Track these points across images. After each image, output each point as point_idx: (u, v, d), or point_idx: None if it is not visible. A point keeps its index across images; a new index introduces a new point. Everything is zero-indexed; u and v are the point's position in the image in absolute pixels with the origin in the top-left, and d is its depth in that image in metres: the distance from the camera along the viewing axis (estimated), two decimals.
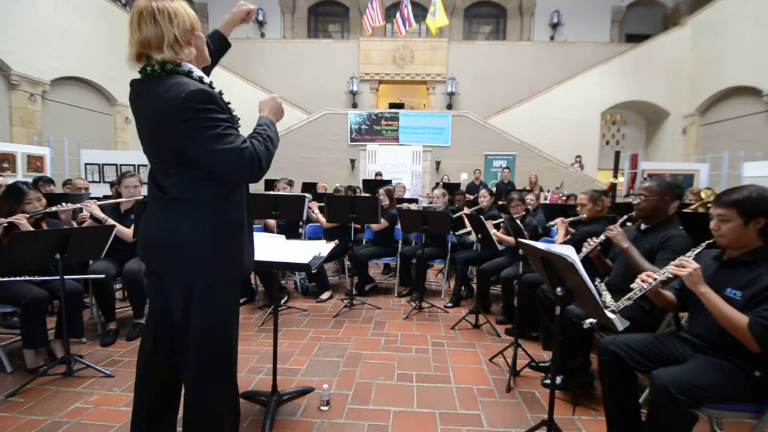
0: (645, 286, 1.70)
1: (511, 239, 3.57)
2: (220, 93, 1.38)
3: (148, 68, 1.31)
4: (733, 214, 1.63)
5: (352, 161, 11.52)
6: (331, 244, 2.20)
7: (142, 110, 1.34)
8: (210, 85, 1.37)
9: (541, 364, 2.75)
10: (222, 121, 1.29)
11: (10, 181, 4.07)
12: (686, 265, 1.63)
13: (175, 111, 1.23)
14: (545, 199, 8.21)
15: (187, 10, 1.34)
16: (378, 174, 9.72)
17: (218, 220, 1.38)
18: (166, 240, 1.36)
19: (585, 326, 1.76)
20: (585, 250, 2.41)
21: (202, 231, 1.35)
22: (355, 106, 13.62)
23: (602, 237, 2.38)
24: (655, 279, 1.70)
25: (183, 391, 1.49)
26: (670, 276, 1.69)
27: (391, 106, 12.51)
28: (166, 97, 1.24)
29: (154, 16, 1.26)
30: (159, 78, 1.29)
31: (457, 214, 4.67)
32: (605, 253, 2.63)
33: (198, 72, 1.38)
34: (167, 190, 1.37)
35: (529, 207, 4.20)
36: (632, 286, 1.74)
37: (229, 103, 1.42)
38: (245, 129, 1.38)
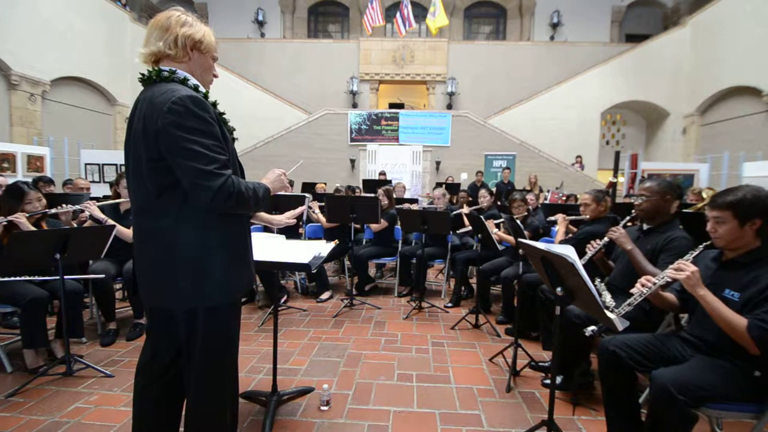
0: (645, 291, 1.70)
1: (512, 239, 3.57)
2: (215, 104, 1.39)
3: (145, 74, 1.35)
4: (729, 216, 1.63)
5: (352, 161, 11.52)
6: (331, 244, 2.20)
7: (137, 118, 1.32)
8: (205, 95, 1.38)
9: (541, 364, 2.75)
10: (208, 136, 1.27)
11: (10, 181, 4.07)
12: (684, 268, 1.63)
13: (163, 114, 1.23)
14: (545, 199, 8.20)
15: (207, 31, 1.41)
16: (382, 173, 9.68)
17: (220, 240, 1.36)
18: (164, 266, 1.33)
19: (587, 334, 1.75)
20: (589, 252, 2.40)
21: (204, 254, 1.33)
22: (355, 106, 13.62)
23: (606, 239, 2.38)
24: (654, 283, 1.70)
25: (183, 404, 1.48)
26: (669, 280, 1.69)
27: (391, 106, 12.51)
28: (156, 102, 1.25)
29: (170, 18, 1.35)
30: (155, 85, 1.32)
31: (456, 212, 4.68)
32: (608, 254, 2.62)
33: (194, 80, 1.39)
34: (160, 211, 1.32)
35: (529, 207, 4.19)
36: (632, 291, 1.74)
37: (223, 113, 1.43)
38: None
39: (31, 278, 2.64)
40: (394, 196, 5.08)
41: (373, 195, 5.29)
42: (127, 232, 3.00)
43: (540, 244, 1.78)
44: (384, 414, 2.20)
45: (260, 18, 14.91)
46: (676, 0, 13.91)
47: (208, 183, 1.24)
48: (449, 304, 4.13)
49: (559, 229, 3.27)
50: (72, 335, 2.70)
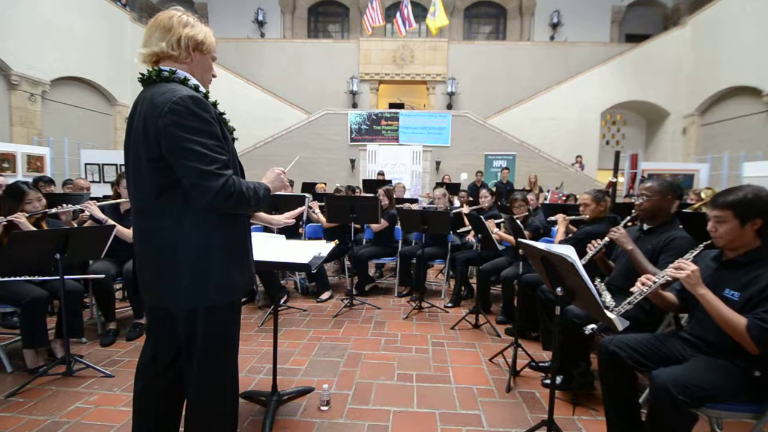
0: (645, 290, 1.70)
1: (512, 239, 3.57)
2: (215, 104, 1.39)
3: (145, 74, 1.34)
4: (730, 215, 1.63)
5: (352, 161, 11.52)
6: (331, 244, 2.20)
7: (137, 118, 1.31)
8: (205, 95, 1.38)
9: (541, 364, 2.75)
10: (209, 136, 1.27)
11: (10, 181, 4.07)
12: (684, 267, 1.63)
13: (164, 114, 1.22)
14: (545, 199, 8.20)
15: (208, 32, 1.41)
16: (380, 173, 9.70)
17: (220, 240, 1.36)
18: (164, 266, 1.33)
19: (587, 332, 1.75)
20: (590, 252, 2.40)
21: (205, 254, 1.33)
22: (355, 106, 13.62)
23: (606, 239, 2.38)
24: (654, 282, 1.70)
25: (183, 404, 1.48)
26: (670, 279, 1.69)
27: (391, 106, 12.51)
28: (157, 102, 1.25)
29: (172, 18, 1.34)
30: (155, 85, 1.32)
31: (456, 210, 4.68)
32: (607, 254, 2.62)
33: (194, 80, 1.39)
34: (160, 211, 1.32)
35: (530, 207, 4.19)
36: (632, 290, 1.74)
37: (224, 113, 1.43)
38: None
39: (31, 278, 2.64)
40: (394, 196, 5.08)
41: (373, 195, 5.30)
42: (127, 232, 3.00)
43: (540, 244, 1.78)
44: (384, 414, 2.20)
45: (260, 18, 14.91)
46: (676, 0, 13.91)
47: (210, 183, 1.24)
48: (449, 304, 4.13)
49: (559, 229, 3.27)
50: (72, 335, 2.70)
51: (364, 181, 7.98)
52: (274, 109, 12.53)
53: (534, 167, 10.52)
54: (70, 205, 3.08)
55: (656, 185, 2.33)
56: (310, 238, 4.72)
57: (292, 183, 5.69)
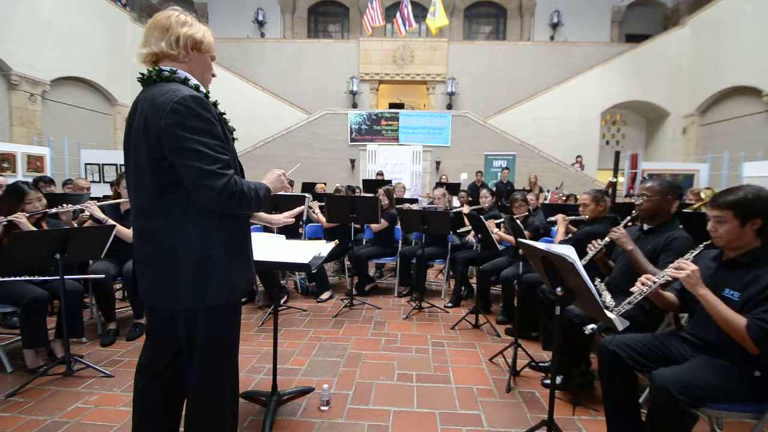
0: (645, 290, 1.70)
1: (512, 239, 3.57)
2: (216, 103, 1.39)
3: (146, 74, 1.34)
4: (730, 215, 1.63)
5: (352, 161, 11.52)
6: (331, 244, 2.20)
7: (137, 118, 1.31)
8: (206, 95, 1.38)
9: (541, 364, 2.75)
10: (211, 136, 1.27)
11: (11, 181, 4.07)
12: (684, 267, 1.63)
13: (166, 114, 1.22)
14: (545, 199, 8.20)
15: (206, 31, 1.41)
16: (379, 173, 9.71)
17: (221, 240, 1.36)
18: (165, 266, 1.33)
19: (587, 332, 1.75)
20: (590, 252, 2.40)
21: (205, 255, 1.33)
22: (355, 106, 13.62)
23: (607, 239, 2.38)
24: (654, 282, 1.70)
25: (183, 404, 1.49)
26: (670, 278, 1.69)
27: (391, 106, 12.51)
28: (158, 102, 1.25)
29: (170, 18, 1.34)
30: (155, 85, 1.32)
31: (456, 210, 4.68)
32: (607, 254, 2.62)
33: (194, 80, 1.39)
34: (161, 212, 1.32)
35: (530, 207, 4.19)
36: (632, 289, 1.74)
37: (224, 113, 1.43)
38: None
39: (31, 278, 2.64)
40: (394, 196, 5.08)
41: (373, 195, 5.29)
42: (127, 232, 3.00)
43: (540, 244, 1.78)
44: (384, 414, 2.20)
45: (260, 18, 14.91)
46: (676, 0, 13.91)
47: (211, 183, 1.24)
48: (449, 304, 4.13)
49: (559, 230, 3.27)
50: (72, 335, 2.70)
51: (364, 181, 7.97)
52: (274, 109, 12.54)
53: (534, 167, 10.52)
54: (70, 205, 3.08)
55: (656, 185, 2.33)
56: (310, 238, 4.72)
57: (292, 183, 5.70)
